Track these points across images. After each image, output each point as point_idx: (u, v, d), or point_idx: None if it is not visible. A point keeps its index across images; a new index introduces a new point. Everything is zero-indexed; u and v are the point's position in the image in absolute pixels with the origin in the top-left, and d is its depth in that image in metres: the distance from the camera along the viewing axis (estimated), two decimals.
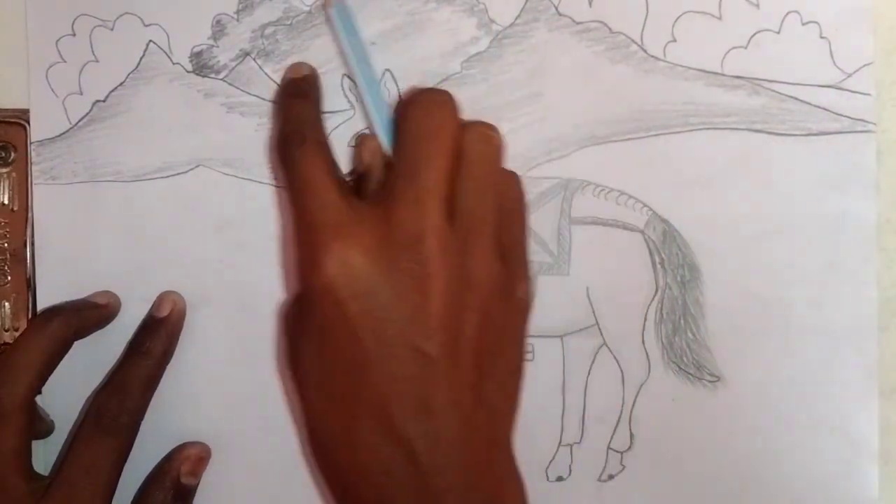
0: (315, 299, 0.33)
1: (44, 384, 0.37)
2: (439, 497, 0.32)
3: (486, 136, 0.35)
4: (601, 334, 0.41)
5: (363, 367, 0.33)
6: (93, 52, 0.40)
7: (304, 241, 0.34)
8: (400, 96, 0.40)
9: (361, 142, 0.38)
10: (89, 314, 0.39)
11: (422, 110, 0.35)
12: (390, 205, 0.34)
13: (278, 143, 0.36)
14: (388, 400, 0.33)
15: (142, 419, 0.38)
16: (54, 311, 0.38)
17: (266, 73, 0.40)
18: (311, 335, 0.34)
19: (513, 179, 0.37)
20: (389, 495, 0.33)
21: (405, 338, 0.33)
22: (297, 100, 0.38)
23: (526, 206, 0.37)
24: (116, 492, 0.37)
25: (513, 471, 0.35)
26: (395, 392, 0.33)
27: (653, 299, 0.40)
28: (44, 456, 0.39)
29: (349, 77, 0.40)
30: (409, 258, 0.33)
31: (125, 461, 0.37)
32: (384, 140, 0.37)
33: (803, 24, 0.40)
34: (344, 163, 0.40)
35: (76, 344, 0.38)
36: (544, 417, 0.41)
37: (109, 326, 0.40)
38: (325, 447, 0.35)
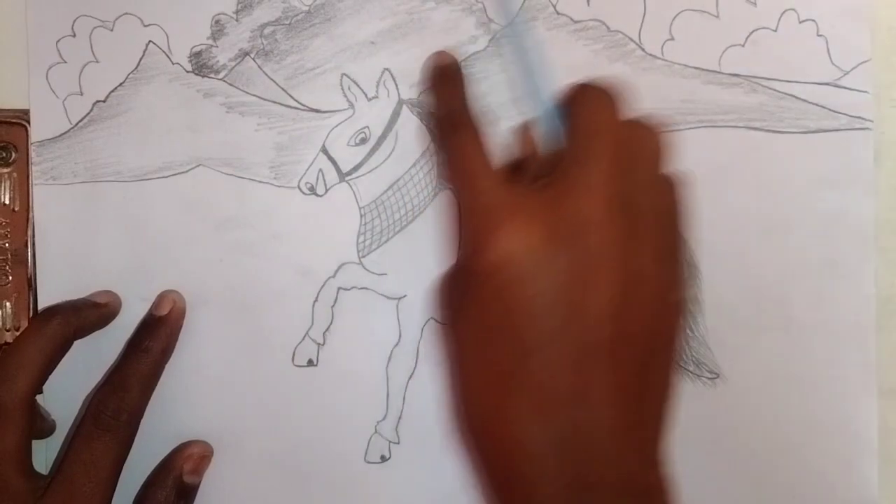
0: (479, 280, 0.34)
1: (44, 383, 0.37)
2: (589, 489, 0.32)
3: (654, 136, 0.35)
4: None
5: (522, 351, 0.33)
6: (93, 52, 0.40)
7: (469, 224, 0.35)
8: (569, 87, 0.38)
9: (520, 130, 0.38)
10: (89, 313, 0.39)
11: (594, 103, 0.35)
12: (558, 194, 0.34)
13: (437, 127, 0.38)
14: (545, 385, 0.33)
15: (141, 417, 0.38)
16: (54, 311, 0.38)
17: (265, 73, 0.40)
18: (472, 313, 0.34)
19: (675, 182, 0.36)
20: (537, 479, 0.33)
21: (566, 327, 0.33)
22: (445, 87, 0.39)
23: (684, 211, 0.36)
24: (118, 490, 0.37)
25: (665, 477, 0.34)
26: (552, 379, 0.33)
27: None
28: (45, 455, 0.39)
29: (348, 77, 0.40)
30: (575, 249, 0.33)
31: (125, 459, 0.37)
32: (544, 129, 0.37)
33: (800, 22, 0.40)
34: (342, 163, 0.40)
35: (77, 343, 0.38)
36: None
37: (110, 326, 0.40)
38: (477, 422, 0.35)
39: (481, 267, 0.33)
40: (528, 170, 0.37)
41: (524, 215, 0.34)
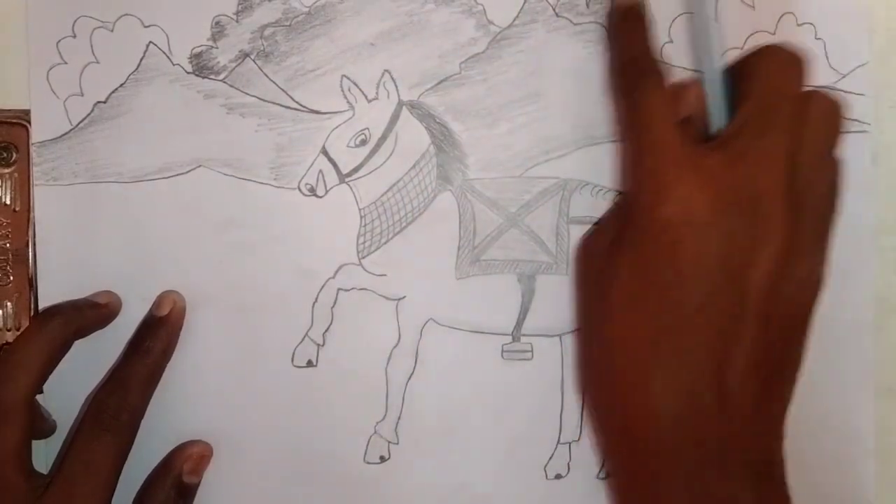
0: (651, 232, 0.33)
1: (44, 383, 0.37)
2: (721, 461, 0.32)
3: (835, 112, 0.35)
4: None
5: (677, 313, 0.33)
6: (93, 53, 0.40)
7: (645, 176, 0.34)
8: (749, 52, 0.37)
9: (689, 86, 0.37)
10: (90, 313, 0.39)
11: (778, 68, 0.35)
12: (733, 158, 0.33)
13: (616, 73, 0.37)
14: (693, 351, 0.33)
15: (142, 417, 0.38)
16: (55, 311, 0.38)
17: (266, 74, 0.41)
18: (633, 267, 0.34)
19: (839, 165, 0.35)
20: (670, 449, 0.33)
21: (721, 293, 0.33)
22: (632, 28, 0.37)
23: (841, 197, 0.35)
24: (118, 490, 0.37)
25: (784, 452, 0.34)
26: (699, 346, 0.33)
27: None
28: (45, 455, 0.39)
29: (348, 78, 0.40)
30: (743, 217, 0.33)
31: (125, 459, 0.37)
32: (712, 86, 0.36)
33: (798, 25, 0.40)
34: (342, 164, 0.40)
35: (77, 344, 0.38)
36: (543, 416, 0.41)
37: (110, 326, 0.40)
38: (616, 386, 0.35)
39: (655, 220, 0.33)
40: (693, 126, 0.36)
41: (702, 174, 0.33)
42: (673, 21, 0.40)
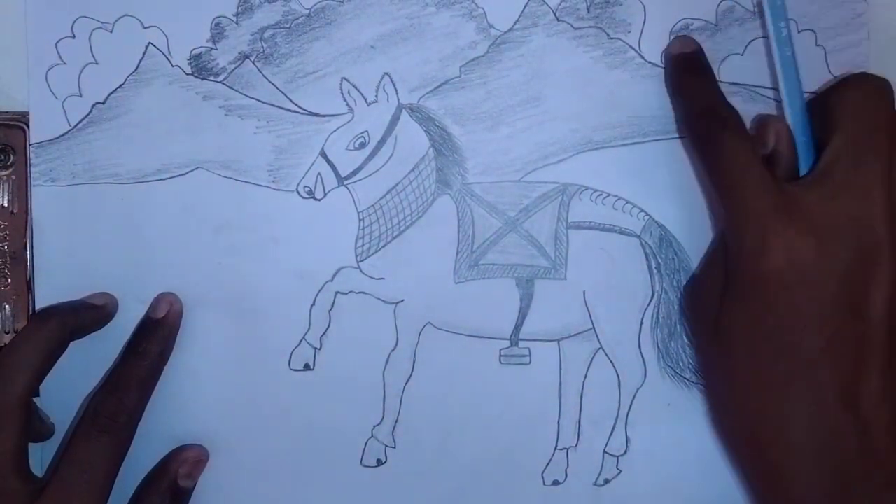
0: (757, 285, 0.34)
1: (40, 384, 0.37)
2: (852, 485, 0.33)
3: None
4: (598, 339, 0.41)
5: (800, 356, 0.33)
6: (92, 54, 0.40)
7: (743, 224, 0.34)
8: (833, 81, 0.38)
9: (770, 124, 0.37)
10: (85, 314, 0.39)
11: (866, 97, 0.35)
12: (835, 191, 0.33)
13: (694, 124, 0.37)
14: (821, 388, 0.33)
15: (139, 420, 0.37)
16: (50, 312, 0.38)
17: (265, 76, 0.40)
18: (745, 318, 0.34)
19: None
20: (801, 477, 0.33)
21: (845, 328, 0.33)
22: (701, 77, 0.37)
23: None
24: (113, 493, 0.36)
25: None
26: (828, 382, 0.33)
27: (649, 304, 0.41)
28: (42, 458, 0.39)
29: (348, 81, 0.40)
30: (853, 249, 0.33)
31: (122, 461, 0.37)
32: (797, 122, 0.36)
33: (799, 32, 0.40)
34: (341, 167, 0.40)
35: (75, 346, 0.38)
36: (541, 421, 0.41)
37: (108, 328, 0.40)
38: (744, 424, 0.35)
39: (761, 271, 0.33)
40: (779, 164, 0.36)
41: (802, 215, 0.33)
42: (673, 27, 0.40)
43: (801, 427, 0.33)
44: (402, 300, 0.41)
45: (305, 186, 0.40)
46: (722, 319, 0.35)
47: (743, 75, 0.40)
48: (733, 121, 0.36)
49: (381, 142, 0.41)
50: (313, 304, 0.40)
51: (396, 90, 0.41)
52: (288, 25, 0.40)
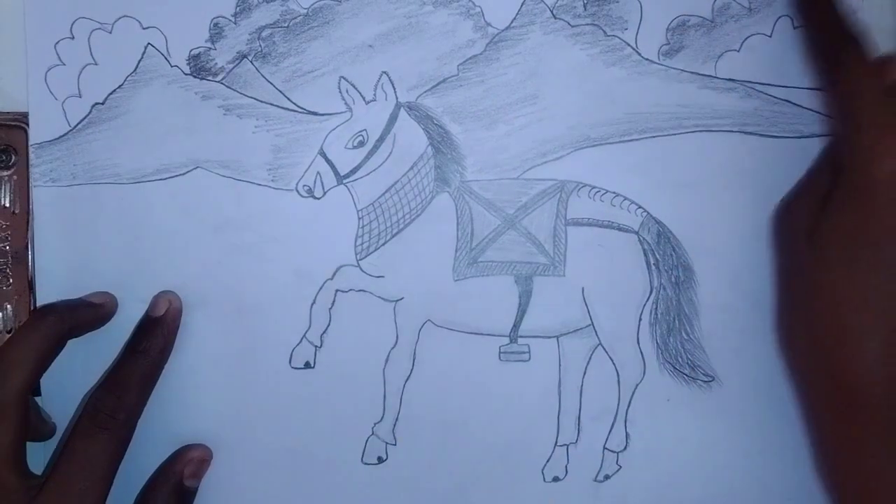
0: (868, 189, 0.34)
1: (38, 380, 0.37)
2: None
3: None
4: (596, 335, 0.41)
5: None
6: (91, 54, 0.40)
7: (858, 131, 0.35)
8: None
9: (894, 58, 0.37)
10: (84, 313, 0.39)
11: None
12: None
13: (814, 45, 0.38)
14: None
15: (138, 418, 0.37)
16: (49, 309, 0.38)
17: (263, 76, 0.41)
18: (853, 221, 0.35)
19: None
20: (885, 400, 0.33)
21: None
22: (830, 7, 0.38)
23: None
24: (116, 493, 0.36)
25: None
26: None
27: (647, 300, 0.41)
28: (43, 457, 0.39)
29: (346, 80, 0.40)
30: None
31: (121, 459, 0.37)
32: None
33: (795, 28, 0.40)
34: (340, 165, 0.40)
35: (75, 345, 0.38)
36: (540, 418, 0.41)
37: (108, 327, 0.40)
38: (830, 335, 0.35)
39: (872, 176, 0.34)
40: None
41: None
42: (670, 24, 0.40)
43: (878, 347, 0.33)
44: (402, 298, 0.41)
45: (304, 185, 0.41)
46: (821, 228, 0.36)
47: (739, 71, 0.40)
48: (855, 38, 0.36)
49: (380, 140, 0.41)
50: (313, 302, 0.41)
51: (395, 89, 0.41)
52: (286, 25, 0.41)
